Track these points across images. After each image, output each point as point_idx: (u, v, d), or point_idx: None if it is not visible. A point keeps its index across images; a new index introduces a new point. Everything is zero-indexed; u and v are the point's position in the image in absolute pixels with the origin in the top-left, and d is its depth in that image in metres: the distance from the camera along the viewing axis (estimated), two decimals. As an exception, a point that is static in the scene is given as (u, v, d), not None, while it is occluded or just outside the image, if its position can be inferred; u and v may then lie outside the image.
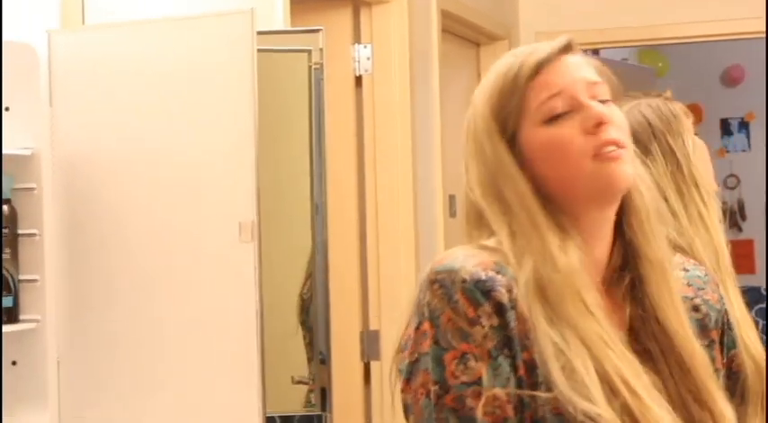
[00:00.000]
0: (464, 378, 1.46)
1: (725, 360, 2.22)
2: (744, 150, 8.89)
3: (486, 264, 1.52)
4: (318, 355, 3.24)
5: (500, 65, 1.63)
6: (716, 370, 1.88)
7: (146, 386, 3.06)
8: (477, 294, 1.48)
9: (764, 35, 5.60)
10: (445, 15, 5.02)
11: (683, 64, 8.70)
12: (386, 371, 1.63)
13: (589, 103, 1.57)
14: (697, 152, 2.44)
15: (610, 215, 1.60)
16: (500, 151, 1.58)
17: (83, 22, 3.25)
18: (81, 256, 3.11)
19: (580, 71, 1.60)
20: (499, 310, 1.48)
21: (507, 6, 6.02)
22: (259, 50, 2.96)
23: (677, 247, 2.28)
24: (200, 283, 3.01)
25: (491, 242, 1.57)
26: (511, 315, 1.49)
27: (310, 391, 3.26)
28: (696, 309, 2.06)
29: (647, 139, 2.39)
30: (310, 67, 3.29)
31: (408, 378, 1.50)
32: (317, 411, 3.22)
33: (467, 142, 1.63)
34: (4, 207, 3.01)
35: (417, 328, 1.51)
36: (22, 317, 3.04)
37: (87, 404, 3.10)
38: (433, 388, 1.47)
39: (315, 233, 3.27)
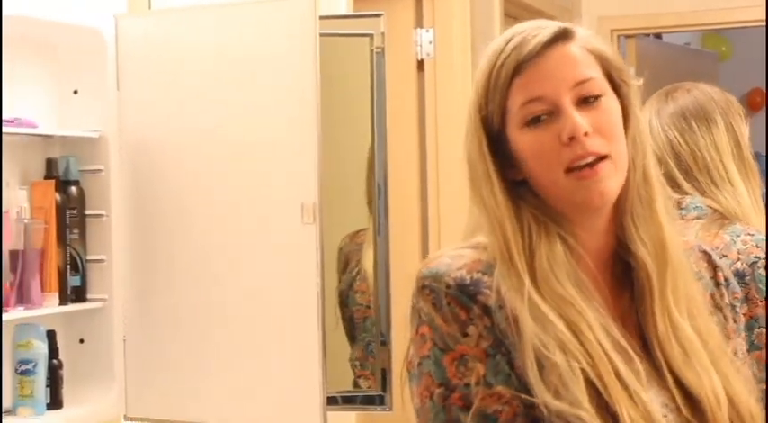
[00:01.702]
0: (467, 379, 1.45)
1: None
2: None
3: (473, 265, 1.50)
4: (380, 337, 3.27)
5: (488, 53, 1.55)
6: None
7: (208, 365, 3.10)
8: (464, 298, 1.47)
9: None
10: (507, 0, 5.03)
11: (747, 48, 8.62)
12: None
13: (568, 111, 1.49)
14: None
15: (601, 213, 1.55)
16: (481, 147, 1.54)
17: (149, 7, 3.29)
18: (146, 237, 3.17)
19: (566, 70, 1.51)
20: (487, 311, 1.46)
21: (569, -10, 6.01)
22: (321, 35, 2.99)
23: (733, 216, 2.32)
24: (262, 264, 3.05)
25: (482, 238, 1.55)
26: (499, 315, 1.46)
27: (371, 372, 3.29)
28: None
29: (712, 110, 2.43)
30: (372, 51, 3.30)
31: (416, 382, 1.50)
32: (377, 391, 3.25)
33: (465, 123, 1.58)
34: (72, 188, 3.07)
35: (417, 332, 1.50)
36: (89, 296, 3.11)
37: (152, 381, 3.15)
38: (438, 390, 1.46)
39: (376, 216, 3.30)
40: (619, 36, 6.14)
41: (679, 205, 2.38)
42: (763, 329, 2.18)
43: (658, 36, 6.97)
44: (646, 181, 1.56)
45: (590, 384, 1.43)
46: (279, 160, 3.04)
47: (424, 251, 4.57)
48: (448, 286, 1.48)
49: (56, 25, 3.02)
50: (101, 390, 3.13)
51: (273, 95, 3.04)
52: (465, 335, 1.46)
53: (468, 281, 1.48)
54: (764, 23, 5.95)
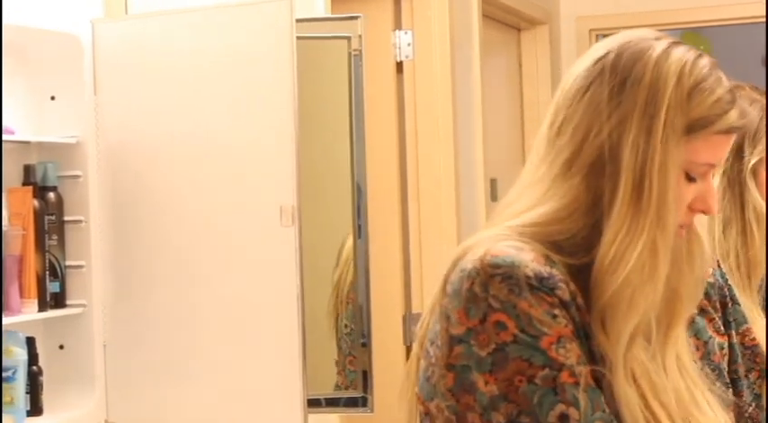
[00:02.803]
0: (570, 359, 1.45)
1: (736, 334, 2.28)
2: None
3: (540, 259, 1.50)
4: (360, 339, 3.27)
5: (713, 86, 1.56)
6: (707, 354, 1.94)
7: (189, 369, 3.10)
8: (544, 291, 1.47)
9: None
10: (485, 1, 5.03)
11: (726, 47, 8.64)
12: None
13: (713, 187, 1.58)
14: None
15: None
16: (677, 160, 1.53)
17: (126, 12, 3.29)
18: (126, 242, 3.16)
19: (727, 149, 1.60)
20: (564, 305, 1.48)
21: (548, -9, 6.02)
22: (299, 38, 2.99)
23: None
24: (241, 268, 3.05)
25: (529, 217, 1.55)
26: (573, 309, 1.49)
27: (352, 373, 3.30)
28: None
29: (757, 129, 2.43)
30: (350, 53, 3.31)
31: (491, 370, 1.46)
32: (358, 393, 3.25)
33: (625, 109, 1.54)
34: (51, 194, 3.06)
35: (484, 320, 1.46)
36: (68, 302, 3.10)
37: (133, 386, 3.15)
38: (542, 373, 1.44)
39: (355, 217, 3.30)
40: (597, 36, 6.14)
41: None
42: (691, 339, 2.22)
43: (637, 35, 6.98)
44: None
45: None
46: (257, 163, 3.05)
47: (405, 252, 4.57)
48: (528, 277, 1.46)
49: (32, 31, 3.01)
50: (81, 396, 3.12)
51: (251, 99, 3.05)
52: (555, 316, 1.46)
53: (546, 274, 1.48)
54: (747, 21, 5.99)
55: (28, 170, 3.05)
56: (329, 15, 3.77)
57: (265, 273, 3.02)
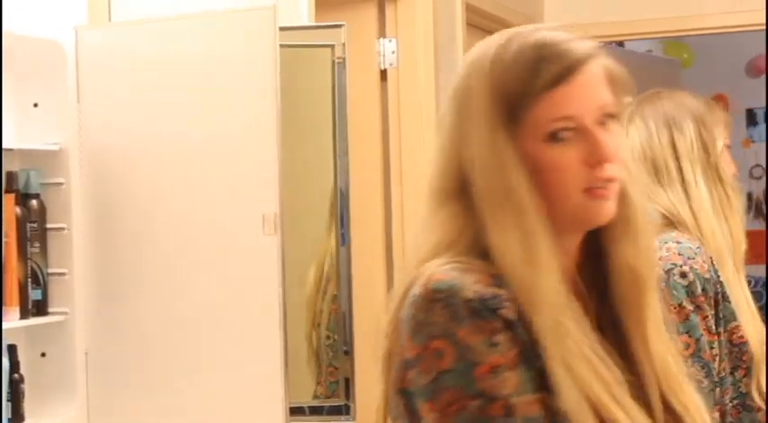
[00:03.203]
0: (505, 389, 1.43)
1: (724, 331, 2.29)
2: (771, 140, 8.88)
3: (486, 279, 1.47)
4: (343, 347, 3.27)
5: (510, 59, 1.51)
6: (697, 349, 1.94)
7: (171, 377, 3.10)
8: (486, 313, 1.44)
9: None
10: (469, 9, 5.04)
11: (709, 55, 8.68)
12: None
13: (598, 135, 1.50)
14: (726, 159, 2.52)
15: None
16: (510, 150, 1.50)
17: (109, 19, 3.29)
18: (108, 249, 3.16)
19: (596, 90, 1.52)
20: (509, 325, 1.45)
21: (532, -1, 6.04)
22: (282, 46, 3.00)
23: (678, 222, 2.36)
24: (224, 276, 3.05)
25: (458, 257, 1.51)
26: (520, 329, 1.46)
27: (334, 381, 3.30)
28: (683, 275, 2.18)
29: (679, 115, 2.46)
30: (334, 61, 3.31)
31: (431, 398, 1.45)
32: (341, 402, 3.25)
33: (459, 122, 1.54)
34: (33, 202, 3.05)
35: (426, 348, 1.46)
36: (50, 310, 3.09)
37: (115, 395, 3.15)
38: (473, 403, 1.43)
39: (338, 226, 3.30)
40: (581, 44, 6.16)
41: None
42: (673, 335, 2.23)
43: (620, 44, 7.01)
44: (642, 195, 1.60)
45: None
46: (240, 171, 3.05)
47: (388, 260, 4.58)
48: (468, 300, 1.45)
49: (15, 37, 3.00)
50: (63, 404, 3.11)
51: (234, 107, 3.05)
52: (493, 345, 1.44)
53: (488, 295, 1.45)
54: (730, 30, 6.03)
55: (10, 177, 3.04)
56: (313, 24, 3.77)
57: (248, 281, 3.02)
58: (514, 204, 1.49)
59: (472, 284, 1.46)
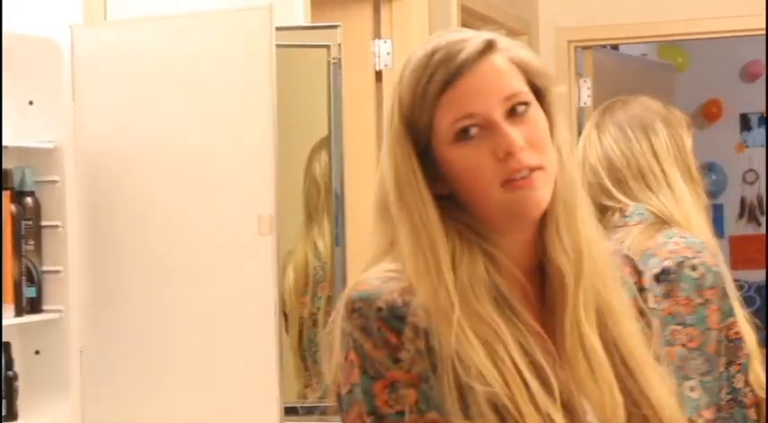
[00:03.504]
0: (398, 407, 1.43)
1: (722, 326, 2.32)
2: (763, 145, 8.83)
3: (405, 288, 1.47)
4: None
5: (411, 67, 1.53)
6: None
7: (166, 375, 3.10)
8: (395, 322, 1.44)
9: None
10: (464, 11, 5.06)
11: (703, 59, 8.70)
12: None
13: (502, 127, 1.48)
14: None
15: (530, 225, 1.54)
16: (411, 162, 1.50)
17: (105, 18, 3.29)
18: (103, 247, 3.16)
19: (494, 84, 1.50)
20: (420, 334, 1.44)
21: (527, 2, 6.05)
22: (278, 46, 3.00)
23: (672, 221, 2.40)
24: (219, 276, 3.05)
25: (394, 264, 1.51)
26: (431, 337, 1.45)
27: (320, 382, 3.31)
28: (694, 268, 2.21)
29: (651, 119, 2.52)
30: (329, 62, 3.32)
31: (347, 410, 1.47)
32: (331, 403, 3.26)
33: (384, 135, 1.55)
34: (28, 199, 3.06)
35: (345, 358, 1.47)
36: (45, 307, 3.09)
37: (109, 393, 3.15)
38: (369, 419, 1.44)
39: (334, 227, 3.31)
40: (576, 47, 6.18)
41: (623, 213, 2.47)
42: (679, 327, 2.26)
43: (615, 47, 7.02)
44: (570, 188, 1.55)
45: (502, 408, 1.42)
46: (235, 171, 3.05)
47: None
48: (379, 309, 1.45)
49: (10, 36, 3.01)
50: (57, 401, 3.11)
51: (230, 106, 3.06)
52: (396, 361, 1.44)
53: (399, 303, 1.45)
54: (725, 35, 6.05)
55: (5, 175, 3.04)
56: (309, 24, 3.78)
57: (243, 281, 3.02)
58: (409, 215, 1.50)
59: (388, 293, 1.46)
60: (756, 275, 7.04)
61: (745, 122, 9.07)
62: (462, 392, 1.43)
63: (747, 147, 9.00)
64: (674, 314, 2.27)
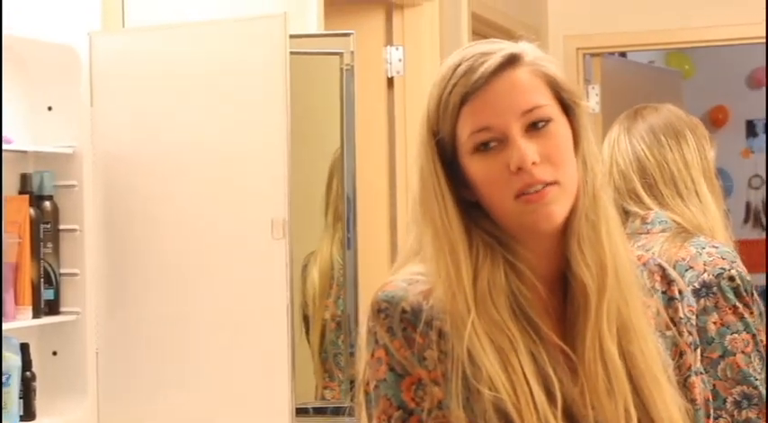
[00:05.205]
0: (425, 404, 1.48)
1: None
2: (768, 151, 8.92)
3: (430, 290, 1.51)
4: (350, 349, 3.31)
5: (438, 79, 1.56)
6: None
7: (180, 377, 3.14)
8: (420, 324, 1.49)
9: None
10: (475, 18, 5.10)
11: (710, 66, 8.73)
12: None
13: (516, 141, 1.50)
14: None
15: (550, 236, 1.55)
16: (435, 169, 1.55)
17: (123, 25, 3.33)
18: (119, 251, 3.20)
19: (513, 98, 1.52)
20: (443, 337, 1.49)
21: (536, 10, 6.08)
22: (292, 53, 3.04)
23: (698, 229, 2.44)
24: (233, 279, 3.09)
25: (422, 267, 1.55)
26: (450, 339, 1.49)
27: (340, 382, 3.34)
28: (731, 278, 2.27)
29: (681, 127, 2.55)
30: (342, 69, 3.35)
31: (374, 405, 1.52)
32: (346, 403, 3.29)
33: (417, 144, 1.59)
34: (46, 203, 3.10)
35: (372, 355, 1.52)
36: (62, 309, 3.13)
37: (125, 394, 3.18)
38: (396, 414, 1.49)
39: (345, 231, 3.34)
40: (584, 54, 6.21)
41: (644, 220, 2.48)
42: (736, 335, 2.30)
43: (623, 54, 7.06)
44: (595, 203, 1.56)
45: (506, 415, 1.45)
46: (250, 176, 3.09)
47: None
48: (404, 311, 1.50)
49: (30, 42, 3.05)
50: (73, 402, 3.15)
51: (245, 113, 3.09)
52: (422, 359, 1.49)
53: (424, 306, 1.50)
54: (732, 43, 6.08)
55: (24, 179, 3.09)
56: (322, 32, 3.82)
57: (256, 285, 3.05)
58: (432, 220, 1.54)
59: (413, 296, 1.52)
60: (761, 279, 7.07)
61: (750, 128, 9.10)
62: (469, 395, 1.47)
63: (753, 152, 9.03)
64: (727, 324, 2.33)
